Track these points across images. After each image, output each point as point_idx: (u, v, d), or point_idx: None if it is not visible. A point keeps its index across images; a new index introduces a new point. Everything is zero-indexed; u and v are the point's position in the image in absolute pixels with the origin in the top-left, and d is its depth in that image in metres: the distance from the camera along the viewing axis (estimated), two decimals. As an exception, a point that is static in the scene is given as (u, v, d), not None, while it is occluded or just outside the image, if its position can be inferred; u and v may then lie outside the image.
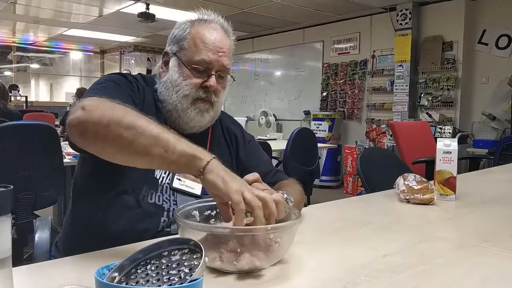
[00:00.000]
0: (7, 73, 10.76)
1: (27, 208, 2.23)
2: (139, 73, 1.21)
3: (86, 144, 0.87)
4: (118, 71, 10.28)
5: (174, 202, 1.09)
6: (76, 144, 0.89)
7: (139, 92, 1.11)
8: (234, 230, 0.76)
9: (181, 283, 0.55)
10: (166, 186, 1.09)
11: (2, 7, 6.42)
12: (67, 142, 3.08)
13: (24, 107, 8.15)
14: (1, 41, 9.52)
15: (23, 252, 2.07)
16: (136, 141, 0.81)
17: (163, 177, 1.10)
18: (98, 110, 0.84)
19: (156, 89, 1.15)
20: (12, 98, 7.83)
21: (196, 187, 1.12)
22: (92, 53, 11.02)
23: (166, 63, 1.16)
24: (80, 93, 5.39)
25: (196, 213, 0.88)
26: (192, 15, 1.16)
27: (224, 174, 0.80)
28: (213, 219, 0.89)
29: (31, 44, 9.96)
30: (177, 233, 0.88)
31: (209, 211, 0.89)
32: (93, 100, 0.89)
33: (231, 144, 1.27)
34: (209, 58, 1.09)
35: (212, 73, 1.10)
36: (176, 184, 1.11)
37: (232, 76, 1.19)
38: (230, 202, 0.78)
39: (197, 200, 0.92)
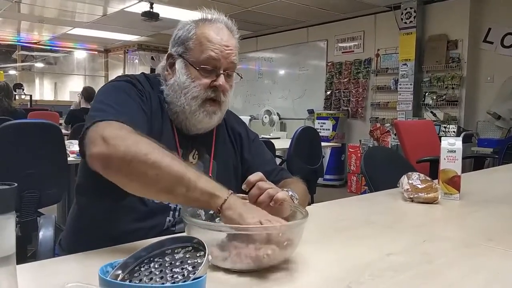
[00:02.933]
0: (12, 72, 10.81)
1: (31, 206, 2.24)
2: (142, 73, 1.20)
3: (109, 177, 0.89)
4: (122, 70, 10.31)
5: None
6: (99, 173, 0.90)
7: (146, 99, 1.10)
8: (241, 229, 0.76)
9: (185, 281, 0.55)
10: None
11: (7, 7, 6.45)
12: (71, 140, 3.08)
13: (29, 106, 8.18)
14: (4, 40, 9.56)
15: (27, 250, 2.08)
16: (160, 181, 0.84)
17: None
18: (122, 145, 0.86)
19: (162, 90, 1.14)
20: (17, 97, 7.86)
21: None
22: (91, 51, 11.02)
23: (171, 65, 1.15)
24: (87, 93, 5.35)
25: (201, 212, 0.89)
26: (196, 15, 1.15)
27: (241, 209, 0.81)
28: (218, 218, 0.89)
29: (31, 43, 9.97)
30: (181, 232, 0.89)
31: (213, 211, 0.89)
32: (114, 129, 0.89)
33: (236, 143, 1.27)
34: (216, 56, 1.08)
35: (221, 72, 1.10)
36: None
37: (239, 74, 1.18)
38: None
39: None
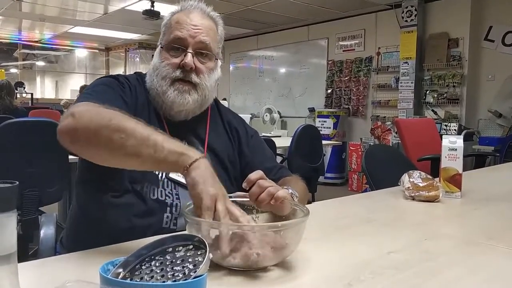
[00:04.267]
0: (13, 70, 10.81)
1: (32, 205, 2.25)
2: (135, 72, 1.23)
3: (78, 151, 0.90)
4: (123, 68, 10.32)
5: (177, 197, 1.08)
6: (69, 150, 0.91)
7: (131, 92, 1.11)
8: (242, 227, 0.76)
9: (186, 279, 0.56)
10: (166, 180, 1.09)
11: (8, 5, 6.45)
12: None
13: (30, 104, 8.19)
14: (3, 38, 9.56)
15: (28, 248, 2.08)
16: (125, 144, 0.83)
17: (162, 172, 1.10)
18: (86, 116, 0.86)
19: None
20: (18, 95, 7.86)
21: None
22: (90, 49, 11.02)
23: None
24: (84, 91, 5.41)
25: None
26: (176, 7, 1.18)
27: (208, 175, 0.80)
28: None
29: (28, 41, 9.97)
30: (183, 229, 0.89)
31: None
32: (81, 105, 0.91)
33: (233, 137, 1.26)
34: (182, 34, 1.10)
35: (189, 51, 1.10)
36: (172, 174, 1.09)
37: (218, 58, 1.17)
38: (201, 207, 0.78)
39: None
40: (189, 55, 1.09)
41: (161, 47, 1.14)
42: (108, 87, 1.07)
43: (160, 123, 1.12)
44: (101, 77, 1.14)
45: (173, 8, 1.18)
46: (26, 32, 9.16)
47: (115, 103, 0.98)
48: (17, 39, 9.73)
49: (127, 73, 1.19)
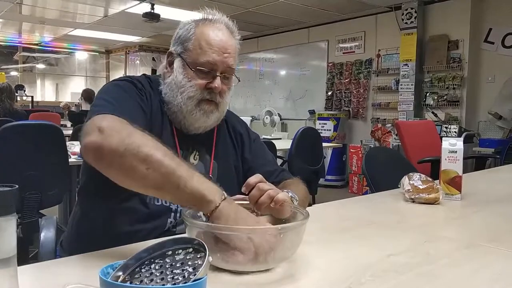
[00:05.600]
0: (13, 73, 10.82)
1: (32, 207, 2.25)
2: (143, 74, 1.20)
3: (100, 169, 0.88)
4: (123, 71, 10.33)
5: None
6: (91, 164, 0.90)
7: (147, 100, 1.10)
8: (242, 230, 0.76)
9: (185, 283, 0.55)
10: None
11: (8, 8, 6.46)
12: (72, 141, 3.09)
13: (30, 107, 8.19)
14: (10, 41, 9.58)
15: (28, 251, 2.08)
16: (149, 176, 0.82)
17: None
18: (116, 136, 0.85)
19: (161, 90, 1.15)
20: (18, 98, 7.87)
21: None
22: (88, 51, 11.03)
23: (170, 64, 1.15)
24: (87, 95, 5.39)
25: (201, 213, 0.88)
26: (197, 15, 1.15)
27: (232, 219, 0.79)
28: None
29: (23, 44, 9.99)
30: (182, 234, 0.88)
31: None
32: (111, 121, 0.89)
33: (237, 143, 1.26)
34: (213, 60, 1.08)
35: (217, 74, 1.09)
36: None
37: (237, 77, 1.17)
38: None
39: None
40: (218, 79, 1.09)
41: (185, 63, 1.10)
42: (127, 94, 1.05)
43: (171, 132, 1.13)
44: (116, 81, 1.11)
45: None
46: (24, 35, 9.17)
47: (136, 114, 0.99)
48: (15, 41, 9.73)
49: (133, 76, 1.17)
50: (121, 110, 0.94)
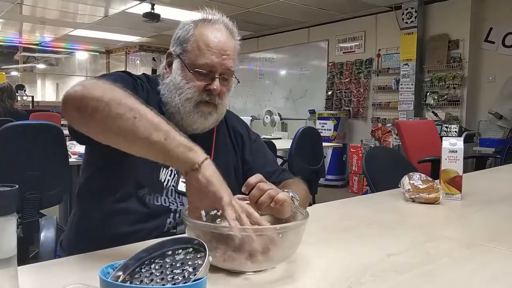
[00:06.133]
0: (14, 73, 10.82)
1: (33, 207, 2.25)
2: (143, 73, 1.20)
3: (82, 121, 0.84)
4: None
5: (181, 204, 1.09)
6: (70, 122, 0.86)
7: (143, 92, 1.10)
8: (241, 230, 0.76)
9: (185, 282, 0.55)
10: (171, 189, 1.09)
11: (9, 8, 6.46)
12: (73, 141, 3.08)
13: (31, 107, 8.19)
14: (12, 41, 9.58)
15: (29, 251, 2.08)
16: (137, 123, 0.78)
17: (168, 180, 1.09)
18: (99, 88, 0.82)
19: (160, 90, 1.14)
20: (19, 98, 7.87)
21: None
22: (87, 51, 11.03)
23: (169, 64, 1.14)
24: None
25: (202, 213, 0.87)
26: (196, 15, 1.14)
27: (219, 176, 0.79)
28: (219, 219, 0.89)
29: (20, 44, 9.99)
30: (182, 234, 0.88)
31: (215, 211, 0.89)
32: (93, 80, 0.87)
33: (237, 143, 1.26)
34: (212, 62, 1.07)
35: (216, 76, 1.08)
36: (181, 187, 1.09)
37: (236, 78, 1.17)
38: (221, 203, 0.77)
39: None
40: (217, 81, 1.08)
41: (184, 64, 1.10)
42: (122, 79, 1.04)
43: None
44: (116, 71, 1.12)
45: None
46: (25, 35, 9.16)
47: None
48: (16, 41, 9.73)
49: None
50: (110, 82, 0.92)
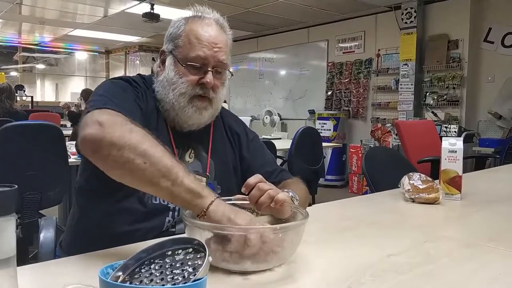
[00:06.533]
0: (13, 73, 10.82)
1: (32, 208, 2.25)
2: (138, 74, 1.21)
3: (96, 162, 0.88)
4: (123, 71, 10.33)
5: None
6: (87, 158, 0.90)
7: (143, 98, 1.10)
8: (241, 230, 0.76)
9: (185, 283, 0.55)
10: None
11: (8, 8, 6.46)
12: (72, 141, 3.09)
13: (30, 107, 8.19)
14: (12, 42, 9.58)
15: (28, 251, 2.08)
16: (147, 170, 0.82)
17: None
18: (116, 130, 0.85)
19: (154, 88, 1.15)
20: (18, 98, 7.86)
21: None
22: (86, 51, 11.02)
23: (163, 62, 1.15)
24: (86, 95, 5.40)
25: None
26: (187, 13, 1.15)
27: (229, 213, 0.80)
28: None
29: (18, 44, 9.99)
30: (181, 233, 0.88)
31: None
32: (109, 115, 0.89)
33: (234, 142, 1.26)
34: (204, 54, 1.08)
35: (208, 69, 1.09)
36: None
37: (230, 72, 1.17)
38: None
39: None
40: (210, 74, 1.09)
41: (176, 59, 1.11)
42: (123, 92, 1.06)
43: (166, 131, 1.13)
44: (112, 79, 1.12)
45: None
46: (24, 35, 9.16)
47: (132, 110, 0.99)
48: (15, 41, 9.73)
49: (128, 76, 1.17)
50: (119, 105, 0.95)
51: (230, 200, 0.92)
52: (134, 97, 1.07)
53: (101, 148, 0.84)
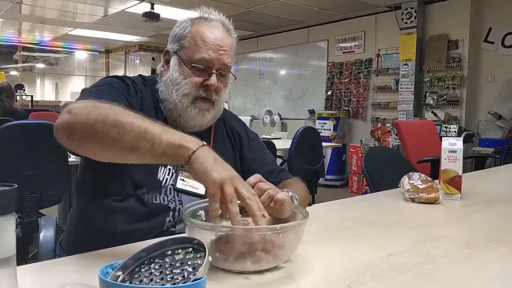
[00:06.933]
0: (13, 72, 10.82)
1: (32, 207, 2.24)
2: (139, 75, 1.21)
3: (75, 147, 0.88)
4: (123, 70, 10.33)
5: (180, 202, 1.09)
6: (66, 147, 0.89)
7: (136, 95, 1.10)
8: (241, 230, 0.75)
9: (185, 282, 0.55)
10: (170, 188, 1.09)
11: (8, 7, 6.45)
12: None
13: (30, 106, 8.18)
14: (11, 41, 9.58)
15: (28, 251, 2.08)
16: (122, 139, 0.81)
17: (166, 178, 1.09)
18: (83, 111, 0.85)
19: (156, 89, 1.15)
20: (18, 98, 7.86)
21: (200, 187, 1.11)
22: (85, 51, 11.02)
23: (167, 62, 1.16)
24: (85, 93, 5.43)
25: (202, 212, 0.87)
26: (193, 14, 1.15)
27: (209, 163, 0.78)
28: (220, 219, 0.89)
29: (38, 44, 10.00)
30: (182, 233, 0.88)
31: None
32: (79, 102, 0.90)
33: (235, 142, 1.26)
34: (209, 57, 1.08)
35: (213, 71, 1.09)
36: (179, 185, 1.10)
37: (233, 75, 1.18)
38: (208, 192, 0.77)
39: (203, 200, 0.91)
40: (214, 77, 1.09)
41: (181, 60, 1.11)
42: (112, 88, 1.06)
43: None
44: (106, 77, 1.13)
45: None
46: (24, 34, 9.16)
47: (115, 101, 0.97)
48: (15, 41, 9.73)
49: (127, 75, 1.17)
50: (98, 97, 0.94)
51: None
52: (123, 93, 1.07)
53: (74, 131, 0.85)
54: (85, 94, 0.99)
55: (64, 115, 0.86)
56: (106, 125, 0.82)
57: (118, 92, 1.06)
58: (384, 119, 6.21)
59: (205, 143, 0.82)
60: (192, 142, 0.81)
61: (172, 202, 1.09)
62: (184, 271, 0.59)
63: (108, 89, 1.04)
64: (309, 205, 1.24)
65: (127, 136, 0.81)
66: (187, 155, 0.79)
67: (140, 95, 1.11)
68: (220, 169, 0.78)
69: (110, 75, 10.87)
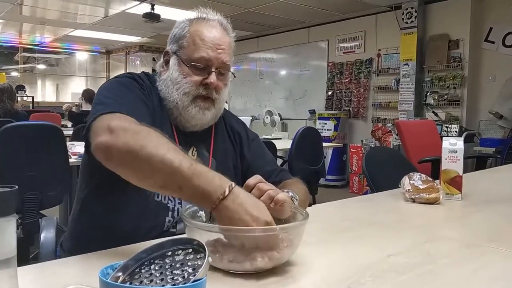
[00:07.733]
0: (14, 73, 10.83)
1: (33, 208, 2.25)
2: (143, 72, 1.22)
3: (112, 168, 0.89)
4: (123, 71, 10.33)
5: (179, 202, 1.10)
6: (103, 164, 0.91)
7: (149, 96, 1.12)
8: (241, 231, 0.76)
9: (185, 283, 0.55)
10: None
11: (9, 9, 6.46)
12: (73, 142, 3.08)
13: (31, 108, 8.20)
14: (11, 42, 9.59)
15: (29, 252, 2.08)
16: (153, 177, 0.83)
17: None
18: (123, 136, 0.86)
19: (157, 86, 1.16)
20: (19, 99, 7.87)
21: None
22: (86, 51, 11.03)
23: (166, 62, 1.17)
24: (87, 95, 5.40)
25: (202, 213, 0.88)
26: (191, 14, 1.17)
27: (236, 213, 0.77)
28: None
29: (38, 45, 10.01)
30: (182, 233, 0.88)
31: None
32: (118, 120, 0.90)
33: (235, 141, 1.27)
34: (208, 55, 1.10)
35: (212, 70, 1.11)
36: None
37: (233, 73, 1.19)
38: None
39: None
40: (214, 75, 1.11)
41: (180, 60, 1.12)
42: (130, 91, 1.06)
43: (170, 129, 1.13)
44: (117, 77, 1.13)
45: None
46: (25, 35, 9.17)
47: (140, 109, 1.00)
48: (16, 42, 9.74)
49: (134, 72, 1.18)
50: (126, 107, 0.95)
51: None
52: (141, 96, 1.08)
53: (112, 157, 0.87)
54: (109, 101, 0.98)
55: (104, 134, 0.87)
56: (139, 160, 0.83)
57: (136, 95, 1.06)
58: (385, 119, 6.21)
59: (233, 184, 0.81)
60: (217, 189, 0.79)
61: (171, 201, 1.09)
62: (184, 272, 0.59)
63: (126, 93, 1.04)
64: (310, 205, 1.24)
65: (157, 175, 0.82)
66: (213, 204, 0.78)
67: (150, 93, 1.13)
68: (249, 219, 0.76)
69: (111, 75, 10.86)
